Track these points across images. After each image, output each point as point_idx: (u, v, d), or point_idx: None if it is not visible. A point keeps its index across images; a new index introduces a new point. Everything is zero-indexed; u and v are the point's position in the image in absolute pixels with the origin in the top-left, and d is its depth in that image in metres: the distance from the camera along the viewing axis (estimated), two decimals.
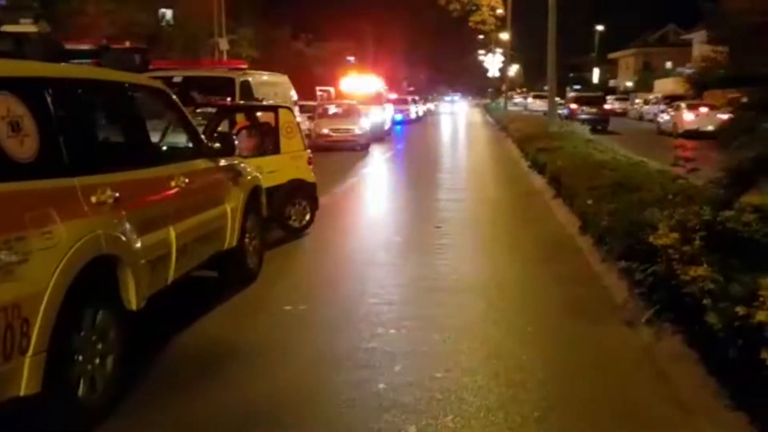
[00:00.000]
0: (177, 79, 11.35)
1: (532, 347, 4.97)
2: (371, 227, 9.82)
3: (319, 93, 32.55)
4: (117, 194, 3.98)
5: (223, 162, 5.93)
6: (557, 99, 23.98)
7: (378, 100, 27.57)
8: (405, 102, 43.48)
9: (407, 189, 14.22)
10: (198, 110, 8.82)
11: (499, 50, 59.95)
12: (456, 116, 55.24)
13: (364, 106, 25.29)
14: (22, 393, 3.18)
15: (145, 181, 4.46)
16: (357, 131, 22.39)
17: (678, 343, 4.63)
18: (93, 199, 3.77)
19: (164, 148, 5.34)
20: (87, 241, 3.58)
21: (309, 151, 9.20)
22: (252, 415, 3.95)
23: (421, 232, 9.28)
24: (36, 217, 3.28)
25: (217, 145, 5.72)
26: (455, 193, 13.11)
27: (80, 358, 3.65)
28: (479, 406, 4.01)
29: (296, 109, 15.64)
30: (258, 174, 6.99)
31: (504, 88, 63.44)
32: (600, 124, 28.62)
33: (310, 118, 25.04)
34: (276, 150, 8.72)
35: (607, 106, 35.13)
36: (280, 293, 6.48)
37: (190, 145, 5.55)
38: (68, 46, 5.34)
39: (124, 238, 4.03)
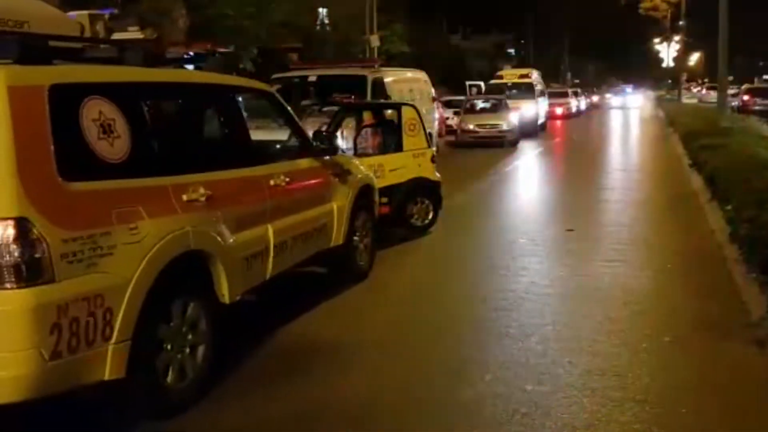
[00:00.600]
0: (312, 79, 11.72)
1: (642, 365, 4.55)
2: (499, 228, 9.52)
3: (469, 88, 32.25)
4: (210, 193, 4.14)
5: (330, 161, 5.99)
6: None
7: (530, 93, 26.74)
8: (565, 95, 41.84)
9: (547, 189, 13.70)
10: (324, 109, 9.01)
11: (676, 38, 56.04)
12: (623, 110, 52.19)
13: (514, 101, 24.74)
14: (106, 377, 3.39)
15: (241, 180, 4.60)
16: (504, 127, 21.91)
17: None
18: (184, 198, 3.95)
19: (265, 148, 5.48)
20: (174, 237, 3.75)
21: (434, 149, 9.08)
22: (339, 413, 3.97)
23: (551, 236, 8.88)
24: (122, 213, 3.48)
25: (321, 144, 5.77)
26: (599, 194, 12.41)
27: (169, 347, 3.84)
28: (564, 424, 3.73)
29: (436, 106, 15.70)
30: (369, 173, 7.01)
31: (680, 78, 59.39)
32: None
33: (456, 113, 24.96)
34: (398, 148, 8.70)
35: None
36: (389, 293, 6.47)
37: (295, 144, 5.67)
38: (171, 52, 5.62)
39: (216, 235, 4.18)
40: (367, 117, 9.27)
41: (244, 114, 5.17)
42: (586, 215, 10.38)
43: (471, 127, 22.29)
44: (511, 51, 75.97)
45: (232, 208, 4.42)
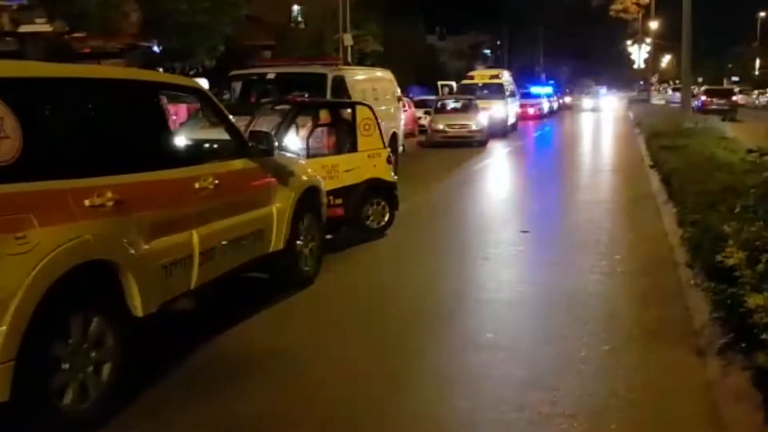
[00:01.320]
0: (270, 76, 11.48)
1: (578, 376, 4.40)
2: (455, 230, 9.35)
3: (441, 88, 32.16)
4: (119, 197, 3.90)
5: (269, 162, 5.76)
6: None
7: (500, 94, 26.70)
8: (537, 96, 41.96)
9: (508, 189, 13.60)
10: (277, 108, 8.78)
11: (648, 40, 56.54)
12: (594, 111, 52.36)
13: (484, 101, 24.69)
14: None
15: (158, 183, 4.36)
16: (474, 127, 21.83)
17: (745, 380, 3.90)
18: (87, 203, 3.70)
19: (191, 148, 5.24)
20: (70, 246, 3.50)
21: (389, 149, 8.89)
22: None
23: (505, 238, 8.74)
24: (8, 221, 3.24)
25: (259, 144, 5.53)
26: (559, 194, 12.34)
27: (67, 366, 3.59)
28: None
29: (406, 105, 15.52)
30: (315, 174, 6.81)
31: (651, 79, 59.94)
32: (729, 114, 30.64)
33: (427, 113, 24.88)
34: (353, 148, 8.52)
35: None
36: (333, 299, 6.27)
37: (229, 144, 5.44)
38: (91, 45, 5.36)
39: (125, 243, 3.95)
40: (321, 116, 9.06)
41: (171, 111, 4.92)
42: (543, 216, 10.29)
43: (440, 126, 22.20)
44: (487, 52, 76.21)
45: (147, 213, 4.18)
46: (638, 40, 60.43)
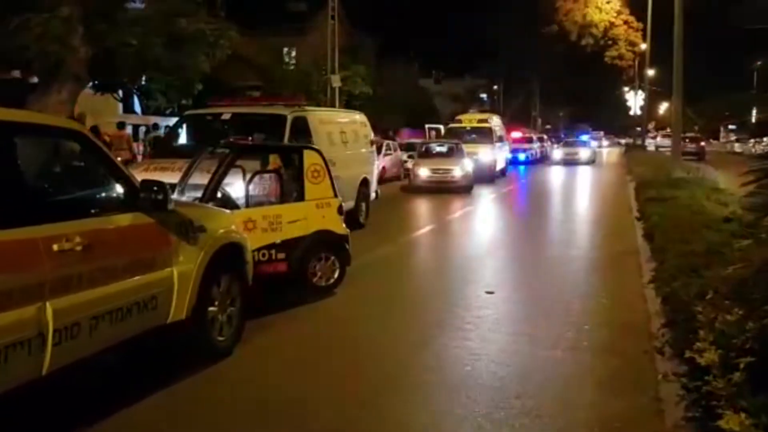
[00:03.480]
0: (226, 117, 10.73)
1: None
2: (413, 290, 8.51)
3: (428, 131, 31.60)
4: None
5: (169, 216, 4.92)
6: None
7: (488, 138, 26.06)
8: (530, 141, 41.52)
9: (483, 241, 12.69)
10: (217, 151, 7.99)
11: (644, 86, 56.43)
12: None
13: (472, 145, 24.04)
14: None
15: None
16: (458, 172, 21.08)
17: None
18: None
19: (56, 201, 4.38)
20: None
21: (340, 198, 8.06)
22: None
23: (467, 300, 7.84)
24: None
25: (154, 195, 4.68)
26: (536, 249, 11.49)
27: None
28: None
29: (374, 149, 14.79)
30: (236, 228, 5.97)
31: (647, 126, 59.66)
32: (697, 155, 36.71)
33: (410, 157, 24.22)
34: (299, 197, 7.72)
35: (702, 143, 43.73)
36: (250, 377, 5.36)
37: (114, 196, 4.61)
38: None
39: None
40: (263, 161, 8.29)
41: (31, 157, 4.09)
42: (514, 274, 9.45)
43: (424, 171, 21.47)
44: (484, 96, 76.35)
45: None
46: (634, 87, 60.47)
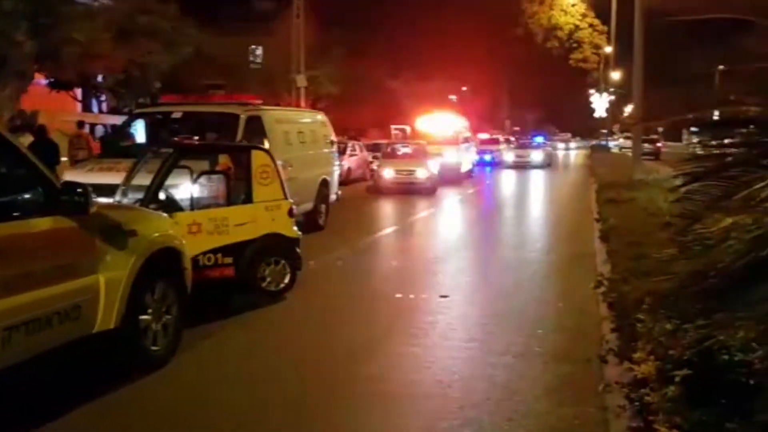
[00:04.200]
0: (177, 115, 10.42)
1: None
2: (368, 295, 8.29)
3: (393, 131, 31.44)
4: None
5: (95, 219, 4.66)
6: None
7: (454, 140, 25.99)
8: (496, 142, 41.61)
9: (443, 244, 12.53)
10: (162, 151, 7.71)
11: (612, 89, 57.08)
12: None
13: (437, 147, 23.94)
14: None
15: None
16: (422, 173, 20.95)
17: None
18: None
19: None
20: None
21: (291, 200, 7.84)
22: None
23: (420, 304, 7.69)
24: None
25: (76, 197, 4.42)
26: (495, 251, 11.40)
27: None
28: None
29: (334, 150, 14.56)
30: (173, 232, 5.72)
31: (611, 128, 60.40)
32: (654, 155, 36.89)
33: (375, 158, 24.06)
34: (248, 199, 7.48)
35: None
36: (184, 389, 5.12)
37: (31, 198, 4.34)
38: None
39: None
40: (209, 162, 8.04)
41: None
42: (470, 277, 9.32)
43: (388, 172, 21.30)
44: (453, 97, 76.55)
45: None
46: (599, 90, 61.16)
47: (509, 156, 36.80)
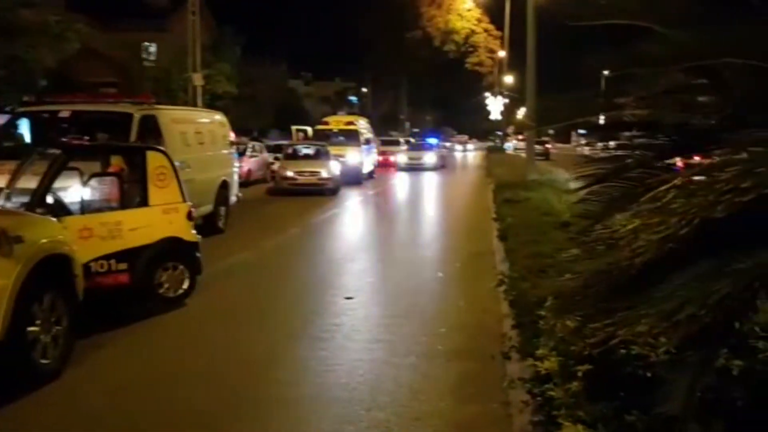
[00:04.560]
0: (64, 114, 9.88)
1: None
2: (270, 298, 8.15)
3: (295, 132, 31.24)
4: None
5: None
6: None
7: (355, 141, 26.07)
8: (397, 143, 42.05)
9: (346, 246, 12.55)
10: (49, 151, 7.28)
11: (506, 92, 58.97)
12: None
13: (339, 148, 23.94)
14: None
15: None
16: (324, 174, 20.87)
17: None
18: None
19: None
20: None
21: (190, 203, 7.59)
22: None
23: (325, 306, 7.65)
24: None
25: None
26: (396, 252, 11.53)
27: None
28: None
29: (234, 151, 14.28)
30: (62, 238, 5.41)
31: (506, 130, 62.52)
32: (544, 156, 39.62)
33: (277, 158, 23.79)
34: (143, 202, 7.19)
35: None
36: (75, 402, 4.84)
37: None
38: None
39: None
40: (101, 163, 7.68)
41: None
42: (374, 277, 9.37)
43: (289, 173, 21.08)
44: (353, 99, 76.82)
45: None
46: (494, 93, 63.18)
47: (402, 158, 35.33)
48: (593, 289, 2.01)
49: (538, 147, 35.67)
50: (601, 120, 3.29)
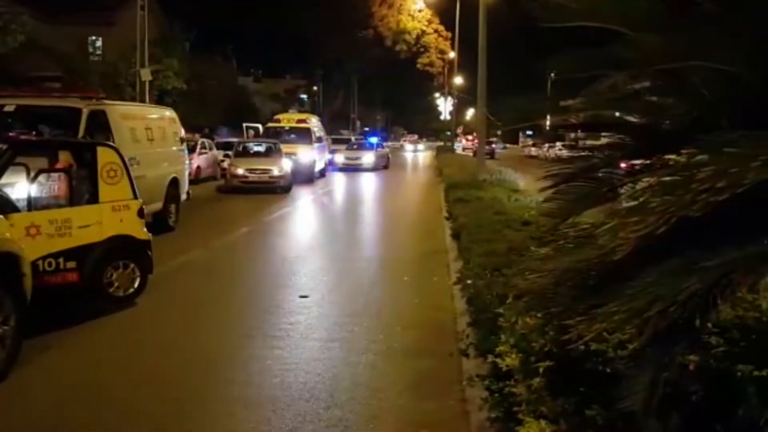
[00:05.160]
0: (9, 109, 9.56)
1: None
2: (223, 297, 8.05)
3: (246, 130, 30.89)
4: None
5: None
6: None
7: (307, 139, 25.94)
8: (348, 142, 42.01)
9: (299, 244, 12.49)
10: None
11: (456, 93, 59.55)
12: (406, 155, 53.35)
13: (290, 146, 23.78)
14: None
15: None
16: (276, 172, 20.73)
17: None
18: None
19: None
20: None
21: (141, 200, 7.44)
22: None
23: (278, 304, 7.59)
24: None
25: None
26: (351, 250, 11.52)
27: None
28: None
29: (184, 148, 14.06)
30: (8, 236, 5.24)
31: (456, 130, 63.17)
32: (490, 155, 38.90)
33: (227, 156, 23.51)
34: (93, 199, 7.01)
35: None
36: (20, 409, 4.69)
37: None
38: None
39: None
40: (49, 159, 7.46)
41: None
42: (329, 276, 9.32)
43: (240, 171, 20.86)
44: (304, 96, 76.34)
45: None
46: (444, 94, 63.77)
47: (340, 158, 32.68)
48: (564, 286, 2.06)
49: (486, 147, 35.91)
50: (574, 120, 3.34)
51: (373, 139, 38.14)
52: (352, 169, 31.66)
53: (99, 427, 4.38)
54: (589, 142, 3.31)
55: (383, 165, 34.60)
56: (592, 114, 3.12)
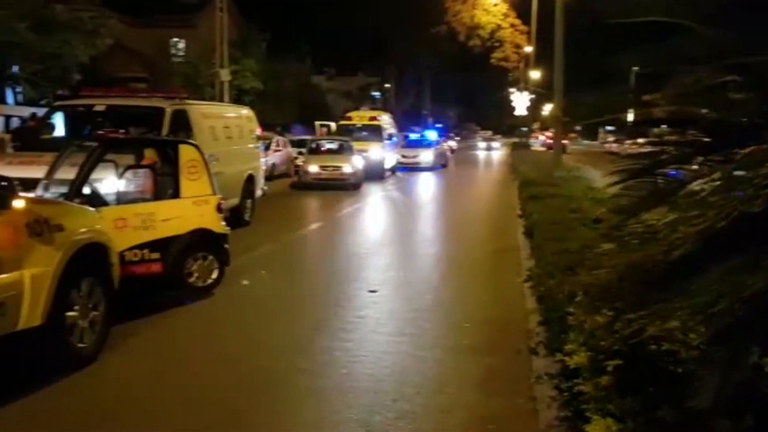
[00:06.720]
0: (100, 108, 10.08)
1: None
2: (293, 289, 8.26)
3: (319, 128, 31.37)
4: None
5: (16, 214, 4.48)
6: None
7: (378, 136, 26.11)
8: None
9: (369, 239, 12.63)
10: (86, 144, 7.46)
11: (532, 88, 58.59)
12: (478, 152, 52.91)
13: (362, 143, 24.03)
14: None
15: None
16: (347, 169, 21.00)
17: None
18: None
19: None
20: None
21: (220, 195, 7.73)
22: None
23: (349, 298, 7.75)
24: None
25: None
26: (420, 247, 11.58)
27: None
28: None
29: (260, 145, 14.43)
30: (100, 227, 5.56)
31: (532, 126, 62.16)
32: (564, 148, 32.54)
33: (301, 153, 23.96)
34: (175, 194, 7.34)
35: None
36: (107, 389, 4.98)
37: None
38: None
39: None
40: (135, 156, 7.84)
41: None
42: (398, 271, 9.41)
43: (313, 168, 21.24)
44: (376, 94, 76.77)
45: None
46: (520, 88, 62.78)
47: (399, 157, 29.23)
48: (627, 282, 2.06)
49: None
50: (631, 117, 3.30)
51: (431, 135, 33.62)
52: (410, 168, 29.46)
53: (178, 410, 4.60)
54: (665, 138, 3.26)
55: (442, 164, 32.56)
56: (676, 109, 3.07)
